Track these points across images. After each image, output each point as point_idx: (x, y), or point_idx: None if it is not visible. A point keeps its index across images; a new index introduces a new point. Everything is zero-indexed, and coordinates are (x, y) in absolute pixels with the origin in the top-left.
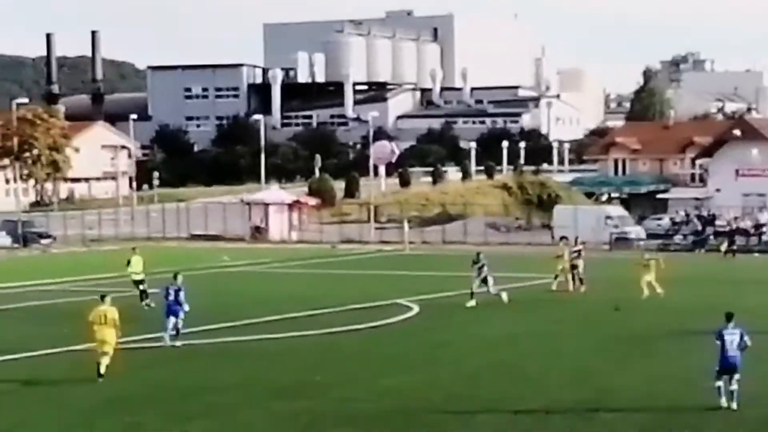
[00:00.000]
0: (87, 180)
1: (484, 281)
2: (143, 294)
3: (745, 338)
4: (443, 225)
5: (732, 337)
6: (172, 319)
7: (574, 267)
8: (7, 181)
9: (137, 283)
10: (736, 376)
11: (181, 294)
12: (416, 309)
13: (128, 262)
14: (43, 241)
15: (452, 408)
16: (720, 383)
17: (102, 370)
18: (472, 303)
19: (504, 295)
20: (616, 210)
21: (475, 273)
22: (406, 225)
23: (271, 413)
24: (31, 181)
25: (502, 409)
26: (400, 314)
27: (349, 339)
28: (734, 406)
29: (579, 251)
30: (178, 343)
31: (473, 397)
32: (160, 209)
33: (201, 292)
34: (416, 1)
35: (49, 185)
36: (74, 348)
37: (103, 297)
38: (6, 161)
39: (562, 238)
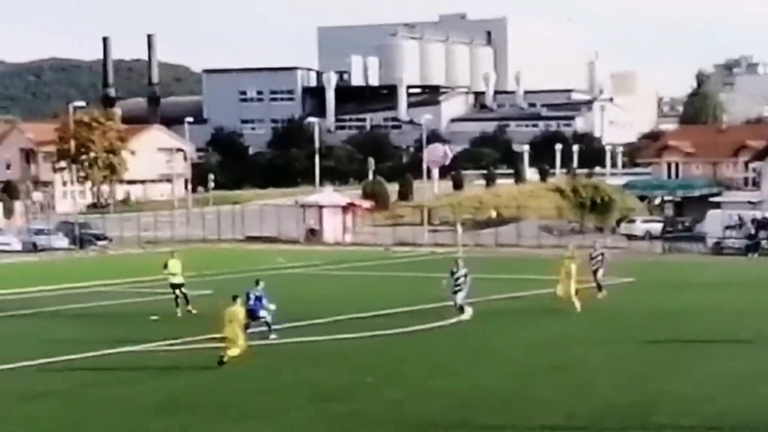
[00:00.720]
0: (143, 182)
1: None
2: (182, 298)
3: None
4: (496, 228)
5: None
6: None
7: (595, 272)
8: (65, 184)
9: (175, 287)
10: None
11: (264, 300)
12: (469, 311)
13: (165, 265)
14: (100, 243)
15: (503, 411)
16: None
17: (225, 359)
18: (465, 316)
19: (468, 312)
20: None
21: (451, 282)
22: (459, 228)
23: (324, 415)
24: (88, 184)
25: (554, 412)
26: (452, 317)
27: (402, 341)
28: None
29: (601, 255)
30: (272, 336)
31: (525, 399)
32: (216, 211)
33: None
34: (470, 4)
35: (105, 187)
36: (130, 349)
37: (234, 297)
38: (63, 164)
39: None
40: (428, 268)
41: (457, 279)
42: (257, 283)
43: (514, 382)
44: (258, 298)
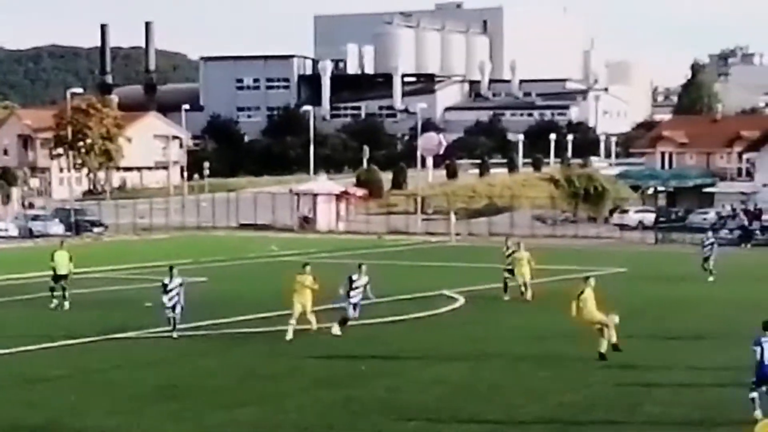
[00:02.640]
0: (139, 169)
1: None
2: (56, 291)
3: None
4: (490, 217)
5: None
6: (170, 313)
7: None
8: (61, 170)
9: (58, 279)
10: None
11: (179, 288)
12: (462, 300)
13: (52, 257)
14: (95, 230)
15: (496, 398)
16: (755, 394)
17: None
18: (336, 330)
19: (336, 330)
20: None
21: (346, 289)
22: (452, 216)
23: (319, 401)
24: (85, 170)
25: (546, 400)
26: (445, 305)
27: (396, 329)
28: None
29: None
30: (174, 335)
31: (517, 387)
32: (210, 199)
33: (249, 282)
34: None
35: (101, 174)
36: (126, 335)
37: (305, 265)
38: (60, 150)
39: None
40: (421, 256)
41: (356, 288)
42: (171, 269)
43: (507, 370)
44: (178, 286)
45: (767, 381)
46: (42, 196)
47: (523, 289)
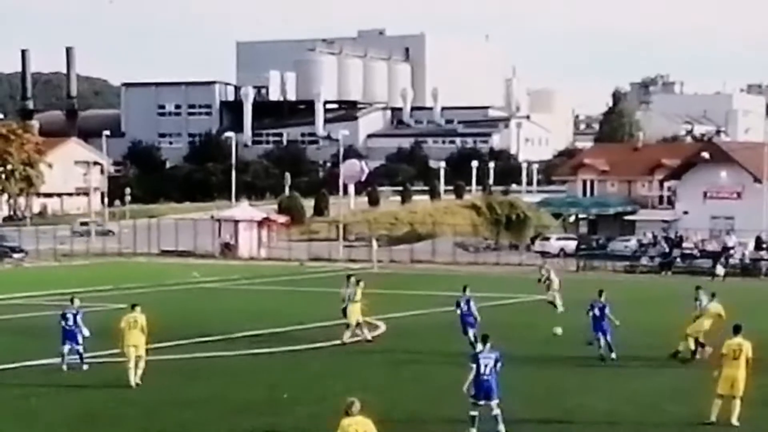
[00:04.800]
0: (60, 195)
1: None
2: None
3: (499, 363)
4: (412, 244)
5: (487, 361)
6: (67, 346)
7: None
8: None
9: None
10: (494, 401)
11: (79, 318)
12: (383, 327)
13: None
14: (15, 256)
15: (414, 428)
16: (476, 412)
17: (136, 381)
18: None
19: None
20: None
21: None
22: (374, 243)
23: (239, 429)
24: (5, 196)
25: (462, 430)
26: (367, 333)
27: (316, 356)
28: (502, 429)
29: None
30: (85, 366)
31: (435, 417)
32: (132, 225)
33: (170, 308)
34: (388, 20)
35: (22, 200)
36: (42, 362)
37: (133, 306)
38: None
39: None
40: (342, 283)
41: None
42: (72, 300)
43: (426, 398)
44: (75, 316)
45: (486, 396)
46: None
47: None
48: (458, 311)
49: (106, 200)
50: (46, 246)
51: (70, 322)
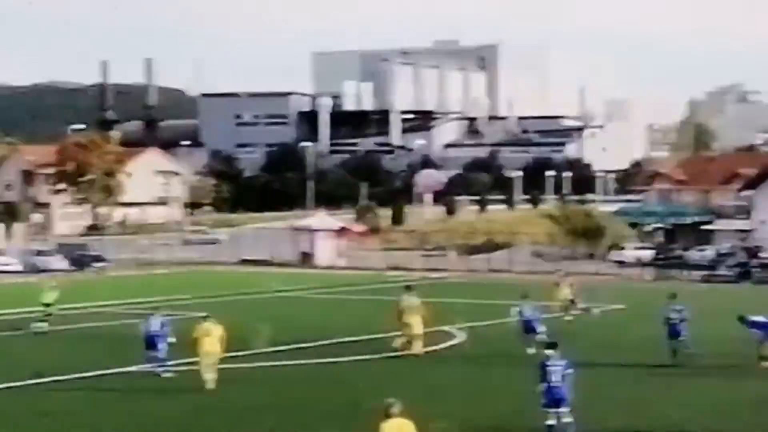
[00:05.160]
0: (140, 205)
1: None
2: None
3: (569, 371)
4: (489, 253)
5: (555, 369)
6: (151, 353)
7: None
8: (64, 205)
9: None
10: (565, 409)
11: (164, 326)
12: (461, 336)
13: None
14: (97, 265)
15: None
16: (552, 421)
17: (211, 386)
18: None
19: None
20: None
21: None
22: (451, 253)
23: None
24: (86, 206)
25: None
26: (444, 341)
27: (397, 365)
28: None
29: None
30: (168, 374)
31: (515, 425)
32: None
33: (249, 317)
34: (464, 31)
35: (103, 210)
36: (121, 370)
37: (205, 317)
38: (62, 186)
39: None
40: (420, 293)
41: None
42: (156, 309)
43: (505, 408)
44: (161, 325)
45: (557, 403)
46: (44, 231)
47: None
48: (519, 319)
49: (186, 210)
50: (128, 255)
51: (154, 329)
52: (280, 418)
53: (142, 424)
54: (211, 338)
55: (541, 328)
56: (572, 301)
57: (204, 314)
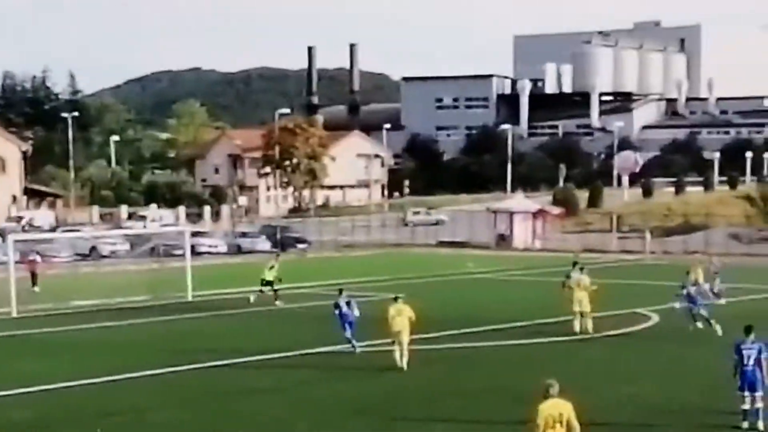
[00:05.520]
0: (342, 187)
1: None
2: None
3: (764, 354)
4: (685, 235)
5: (750, 352)
6: (345, 332)
7: None
8: (268, 189)
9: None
10: (758, 394)
11: (351, 304)
12: (656, 318)
13: (271, 267)
14: (300, 246)
15: (687, 419)
16: (747, 406)
17: (402, 365)
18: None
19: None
20: None
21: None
22: (647, 235)
23: (514, 420)
24: (290, 189)
25: (737, 424)
26: (639, 323)
27: (589, 347)
28: (761, 426)
29: None
30: (358, 350)
31: (710, 408)
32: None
33: (445, 298)
34: (664, 12)
35: (306, 192)
36: (328, 349)
37: (396, 298)
38: (268, 169)
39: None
40: (616, 274)
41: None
42: (341, 292)
43: (700, 391)
44: (348, 304)
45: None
46: (249, 213)
47: None
48: (684, 295)
49: (386, 192)
50: (329, 237)
51: (345, 310)
52: (469, 400)
53: (341, 403)
54: (402, 318)
55: (702, 305)
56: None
57: (396, 295)
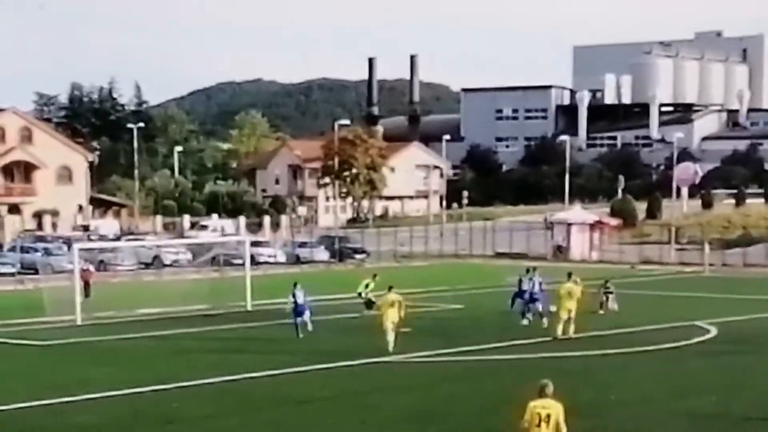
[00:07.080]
0: (400, 198)
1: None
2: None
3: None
4: (745, 248)
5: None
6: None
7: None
8: (327, 199)
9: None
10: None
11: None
12: (714, 331)
13: (366, 286)
14: (358, 256)
15: (742, 430)
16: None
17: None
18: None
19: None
20: None
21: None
22: (706, 247)
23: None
24: (349, 199)
25: None
26: (697, 336)
27: (646, 359)
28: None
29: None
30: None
31: (755, 421)
32: (468, 227)
33: (502, 309)
34: (726, 22)
35: (365, 203)
36: (384, 359)
37: (390, 288)
38: (327, 180)
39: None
40: (674, 287)
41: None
42: (295, 285)
43: (757, 405)
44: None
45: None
46: (308, 224)
47: None
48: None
49: (444, 203)
50: (387, 247)
51: (300, 301)
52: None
53: (397, 413)
54: (394, 309)
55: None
56: None
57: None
